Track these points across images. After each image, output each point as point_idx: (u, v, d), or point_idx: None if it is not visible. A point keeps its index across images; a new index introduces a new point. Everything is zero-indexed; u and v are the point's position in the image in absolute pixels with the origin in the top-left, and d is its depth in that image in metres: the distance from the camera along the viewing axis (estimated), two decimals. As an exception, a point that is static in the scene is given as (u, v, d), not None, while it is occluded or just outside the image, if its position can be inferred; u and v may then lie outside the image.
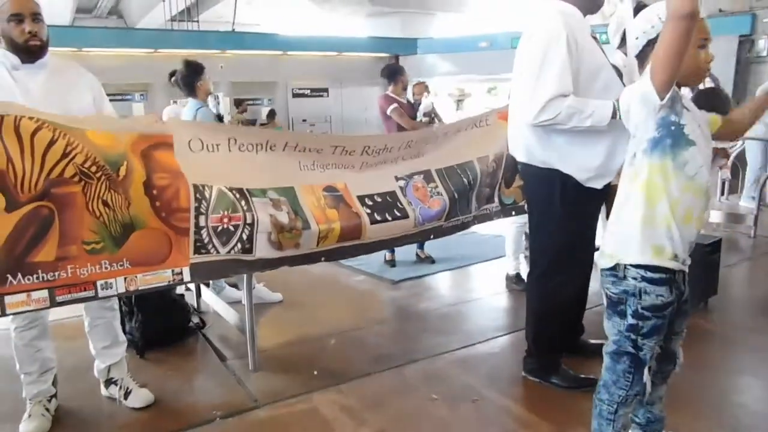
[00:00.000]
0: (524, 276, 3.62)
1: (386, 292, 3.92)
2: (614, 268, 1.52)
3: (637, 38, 1.56)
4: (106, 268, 1.98)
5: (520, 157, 2.23)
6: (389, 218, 2.59)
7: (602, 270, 1.58)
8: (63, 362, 2.41)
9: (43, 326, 2.28)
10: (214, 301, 3.33)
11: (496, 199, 3.06)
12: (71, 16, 14.16)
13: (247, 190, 2.24)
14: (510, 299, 3.56)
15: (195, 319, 3.20)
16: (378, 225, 2.56)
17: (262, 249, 2.27)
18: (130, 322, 2.84)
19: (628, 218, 1.50)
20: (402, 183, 2.73)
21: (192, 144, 2.15)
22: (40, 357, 2.25)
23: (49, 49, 2.06)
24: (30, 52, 2.02)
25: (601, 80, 1.99)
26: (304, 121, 12.65)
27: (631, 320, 1.51)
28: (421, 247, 4.54)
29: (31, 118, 1.82)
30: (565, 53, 1.90)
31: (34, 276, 1.87)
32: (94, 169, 1.93)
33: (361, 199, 2.56)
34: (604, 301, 1.62)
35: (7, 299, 1.84)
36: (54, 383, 2.32)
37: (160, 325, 2.96)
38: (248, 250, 2.27)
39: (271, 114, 10.34)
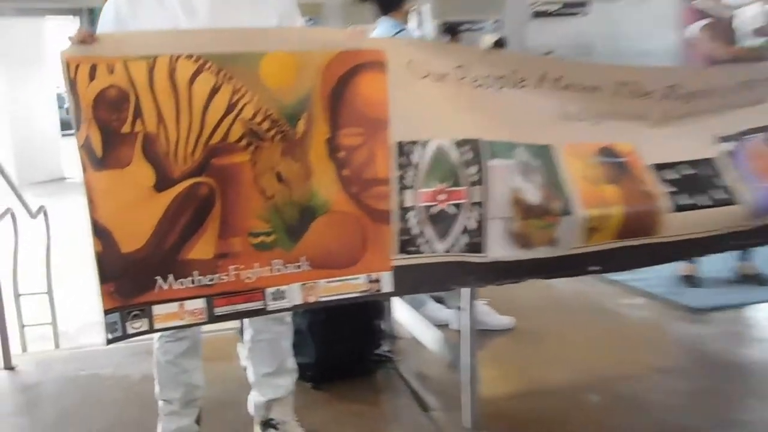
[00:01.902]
0: None
1: (681, 326, 3.80)
2: None
3: None
4: (278, 270, 2.14)
5: None
6: (707, 203, 2.44)
7: None
8: (206, 392, 2.63)
9: (195, 341, 2.52)
10: (411, 321, 3.44)
11: None
12: None
13: (485, 143, 2.27)
14: None
15: (385, 347, 3.33)
16: (686, 214, 2.41)
17: (498, 245, 2.27)
18: (297, 340, 3.01)
19: None
20: (728, 146, 2.55)
21: (412, 67, 2.22)
22: (186, 381, 2.48)
23: None
24: None
25: None
26: (549, 53, 12.44)
27: None
28: (744, 257, 4.23)
29: (190, 57, 2.00)
30: None
31: (189, 279, 2.06)
32: (266, 125, 2.08)
33: (658, 169, 2.44)
34: None
35: (156, 309, 2.06)
36: (198, 420, 2.55)
37: (339, 350, 3.14)
38: (476, 247, 2.28)
39: (499, 44, 10.36)
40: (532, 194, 2.31)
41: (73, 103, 1.95)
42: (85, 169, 1.98)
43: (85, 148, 1.97)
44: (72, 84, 1.94)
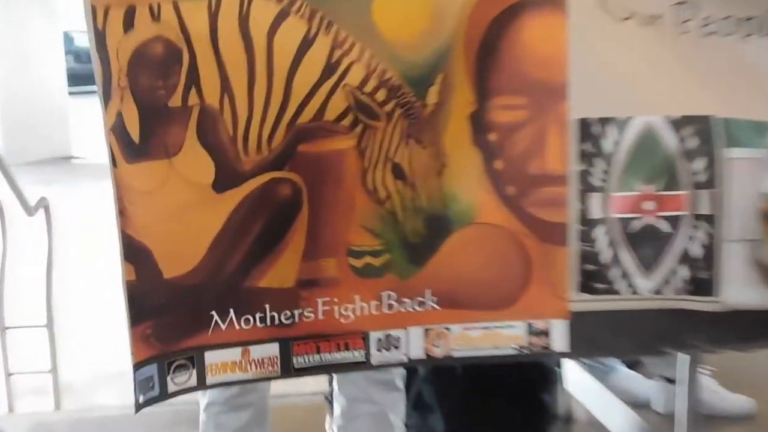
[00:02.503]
0: None
1: None
2: None
3: None
4: (390, 306, 2.19)
5: None
6: None
7: None
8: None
9: (261, 409, 2.59)
10: (593, 396, 3.45)
11: None
12: None
13: (719, 123, 2.23)
14: None
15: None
16: None
17: (739, 285, 2.24)
18: (418, 416, 3.03)
19: None
20: None
21: (608, 4, 2.19)
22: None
23: None
24: None
25: None
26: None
27: None
28: None
29: None
30: None
31: (258, 315, 2.13)
32: (381, 95, 2.09)
33: None
34: None
35: (209, 357, 2.13)
36: None
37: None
38: (704, 287, 2.26)
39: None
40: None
41: (100, 66, 1.96)
42: (114, 161, 2.00)
43: (117, 130, 1.99)
44: (99, 37, 1.95)
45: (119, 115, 1.98)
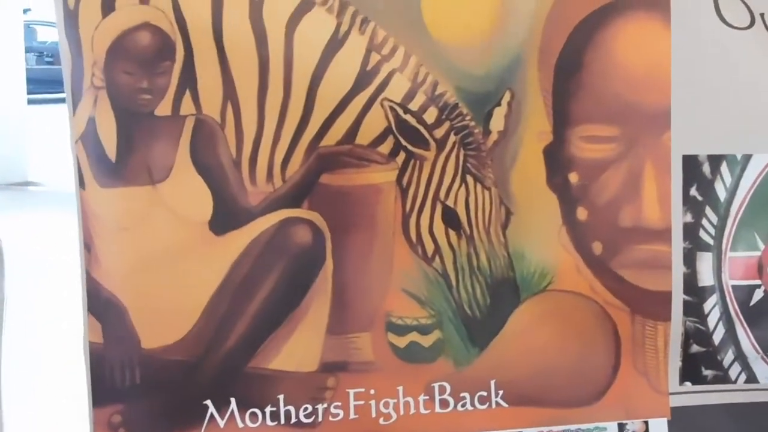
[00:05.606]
0: None
1: None
2: None
3: None
4: (444, 403, 2.01)
5: None
6: None
7: None
8: None
9: None
10: None
11: None
12: None
13: None
14: None
15: None
16: None
17: None
18: None
19: None
20: None
21: (727, 9, 2.04)
22: None
23: None
24: None
25: None
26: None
27: None
28: None
29: None
30: None
31: (268, 409, 1.93)
32: (432, 116, 1.95)
33: None
34: None
35: None
36: None
37: None
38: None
39: None
40: None
41: (70, 55, 1.80)
42: (82, 182, 1.83)
43: (87, 141, 1.83)
44: (70, 20, 1.79)
45: (91, 122, 1.82)
